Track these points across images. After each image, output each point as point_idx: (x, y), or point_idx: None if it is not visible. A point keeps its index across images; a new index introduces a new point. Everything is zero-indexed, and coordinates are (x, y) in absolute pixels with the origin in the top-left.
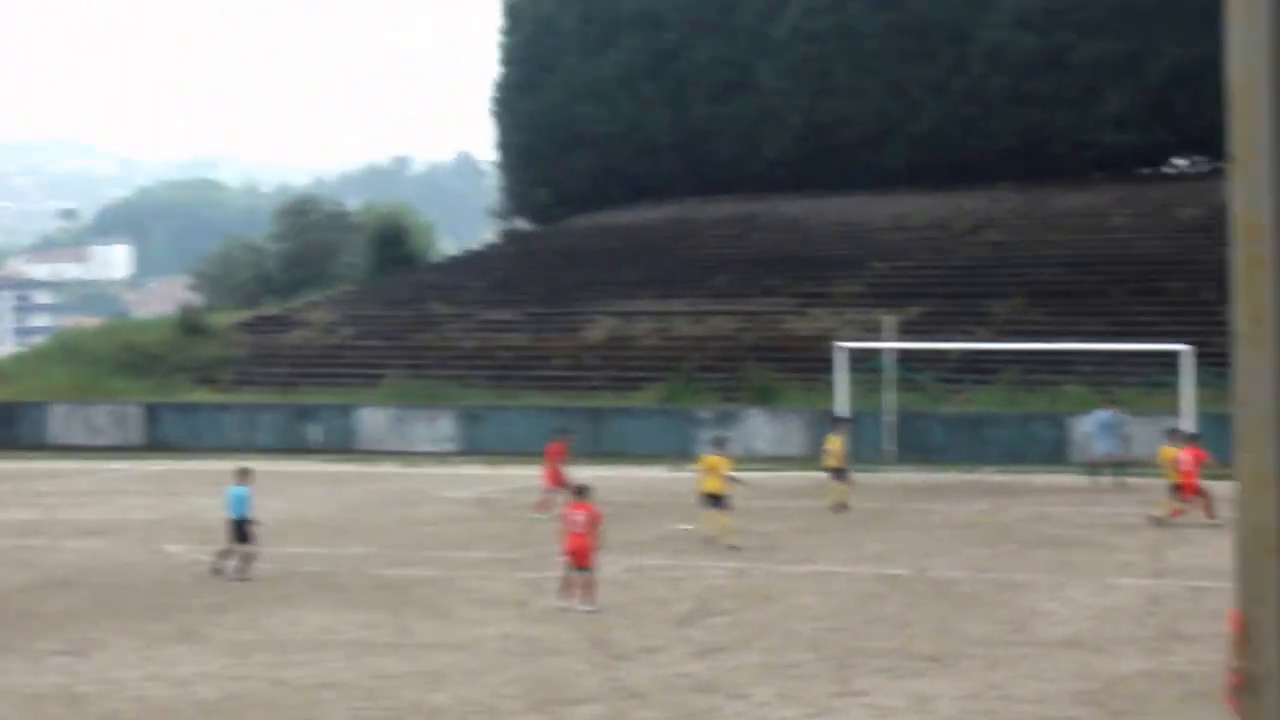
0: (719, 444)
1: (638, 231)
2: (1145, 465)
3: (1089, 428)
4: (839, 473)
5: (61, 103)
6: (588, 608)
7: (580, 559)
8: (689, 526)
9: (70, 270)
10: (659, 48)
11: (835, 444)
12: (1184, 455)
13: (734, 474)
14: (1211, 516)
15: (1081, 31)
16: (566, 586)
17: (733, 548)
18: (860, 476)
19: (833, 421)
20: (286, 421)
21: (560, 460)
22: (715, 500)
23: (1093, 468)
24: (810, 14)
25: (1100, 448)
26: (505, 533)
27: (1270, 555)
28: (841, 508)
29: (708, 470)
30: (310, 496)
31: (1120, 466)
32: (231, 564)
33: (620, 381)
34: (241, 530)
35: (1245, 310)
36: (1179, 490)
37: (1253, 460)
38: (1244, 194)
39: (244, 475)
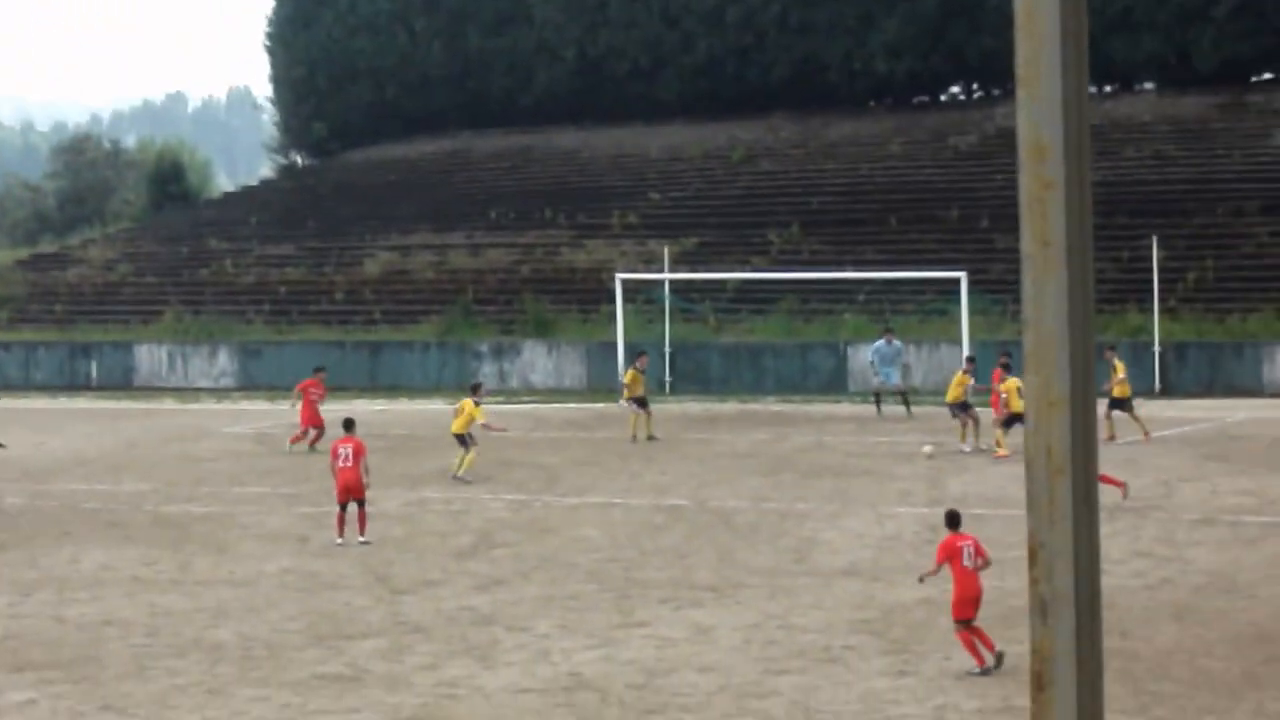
0: (475, 390)
1: (413, 165)
2: (921, 393)
3: (870, 357)
4: (642, 402)
5: None
6: (363, 539)
7: (353, 492)
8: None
9: None
10: None
11: (631, 376)
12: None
13: (486, 424)
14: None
15: None
16: (340, 521)
17: (460, 480)
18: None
19: (635, 355)
20: (65, 359)
21: (316, 396)
22: (461, 440)
23: (876, 398)
24: None
25: (880, 377)
26: (284, 468)
27: (1060, 476)
28: (652, 438)
29: (458, 413)
30: (89, 433)
31: (902, 395)
32: None
33: (398, 315)
34: None
35: (1033, 232)
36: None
37: (1041, 382)
38: (1030, 116)
39: None
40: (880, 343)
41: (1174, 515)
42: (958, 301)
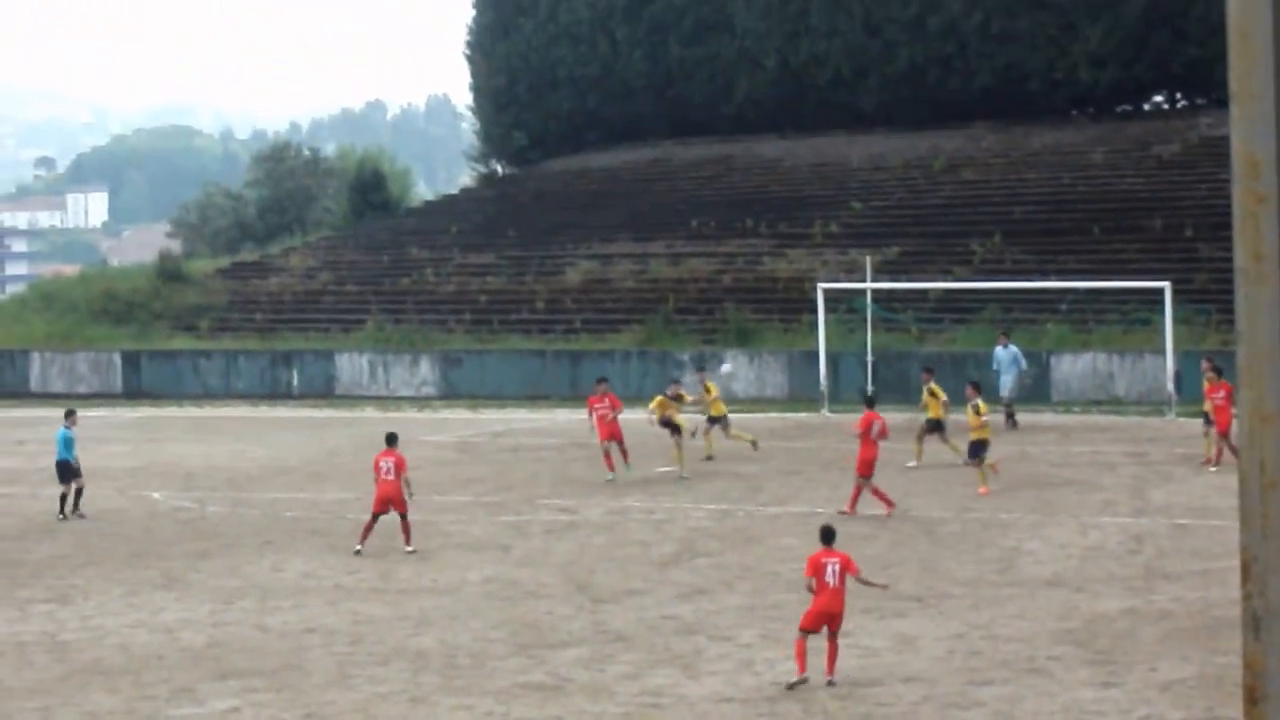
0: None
1: (614, 174)
2: (1125, 402)
3: (994, 365)
4: (721, 421)
5: (34, 50)
6: (409, 549)
7: (395, 505)
8: (669, 468)
9: (47, 219)
10: None
11: (712, 390)
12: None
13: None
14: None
15: None
16: (367, 530)
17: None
18: (841, 417)
19: (699, 369)
20: (266, 368)
21: (604, 410)
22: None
23: (1007, 409)
24: None
25: (1004, 385)
26: (486, 477)
27: (1274, 490)
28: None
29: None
30: (290, 442)
31: (1007, 406)
32: (68, 507)
33: (599, 324)
34: (65, 471)
35: (1246, 246)
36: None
37: (1255, 396)
38: (1244, 131)
39: (69, 418)
40: (997, 347)
41: None
42: (1162, 311)
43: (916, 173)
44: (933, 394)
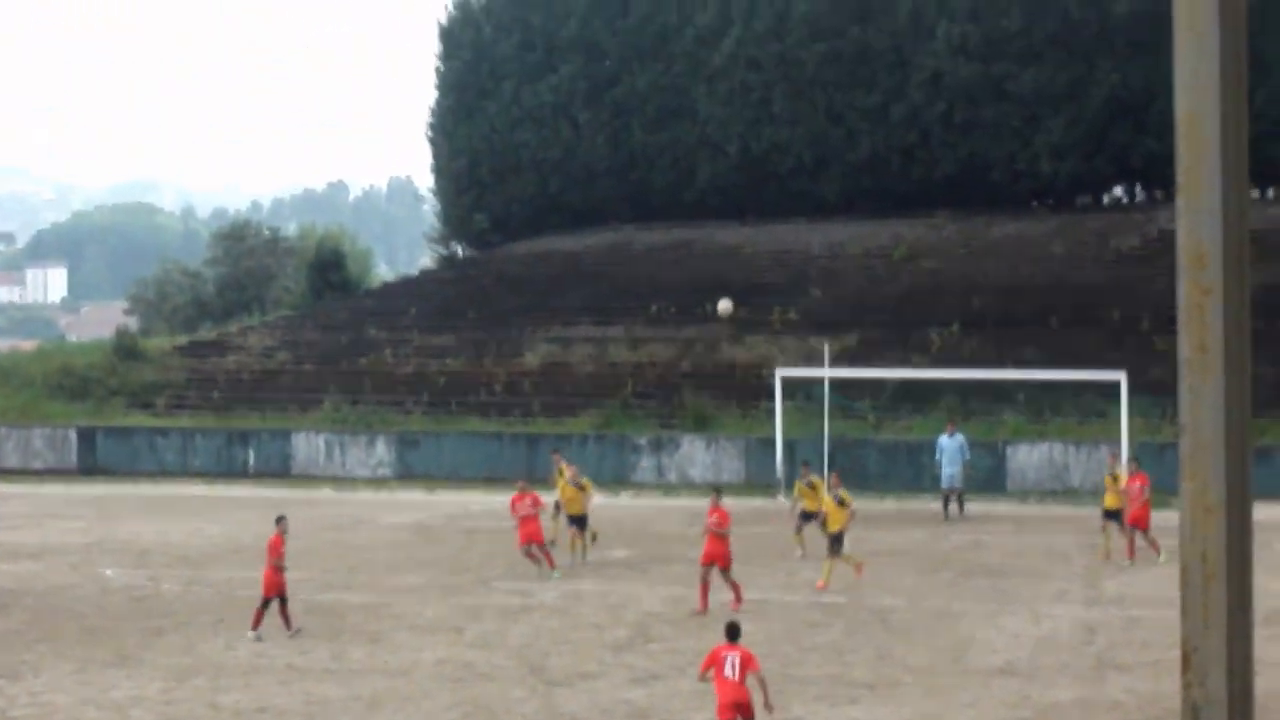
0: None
1: (575, 257)
2: (1081, 493)
3: (936, 455)
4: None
5: None
6: (291, 632)
7: (279, 590)
8: (625, 553)
9: (5, 294)
10: (597, 74)
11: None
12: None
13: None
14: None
15: (1021, 60)
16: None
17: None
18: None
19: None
20: (223, 446)
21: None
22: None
23: (945, 499)
24: (749, 41)
25: (944, 480)
26: (441, 558)
27: (1214, 582)
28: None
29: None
30: (245, 520)
31: (957, 494)
32: None
33: (557, 407)
34: None
35: (1191, 338)
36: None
37: (1198, 487)
38: (1190, 223)
39: None
40: (942, 436)
41: None
42: (1118, 403)
43: (876, 261)
44: (813, 486)
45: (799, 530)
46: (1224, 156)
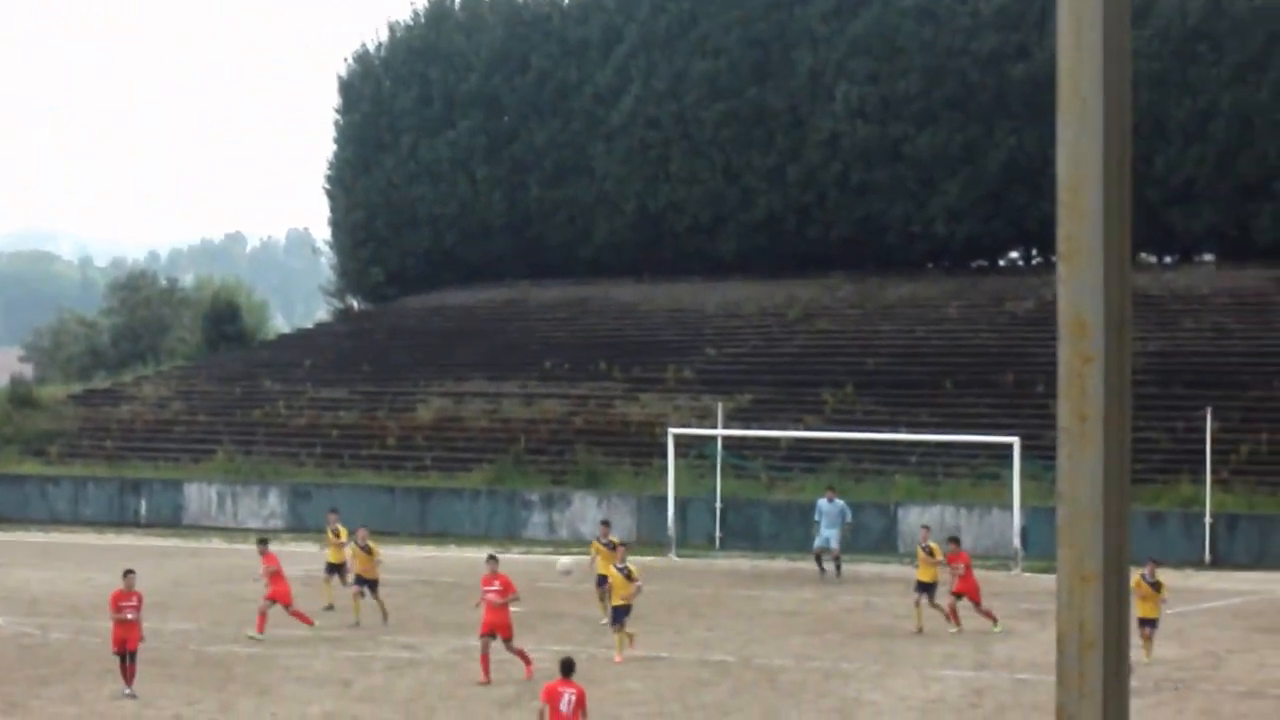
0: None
1: (470, 312)
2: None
3: (815, 516)
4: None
5: None
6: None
7: (130, 644)
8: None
9: None
10: (496, 130)
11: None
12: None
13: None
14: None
15: (918, 122)
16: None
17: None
18: (687, 562)
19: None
20: (115, 495)
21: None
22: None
23: (817, 558)
24: (647, 100)
25: (820, 540)
26: (328, 613)
27: (1091, 650)
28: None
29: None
30: (137, 571)
31: (835, 558)
32: None
33: (450, 462)
34: None
35: (1071, 407)
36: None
37: (1074, 556)
38: (1071, 291)
39: None
40: (822, 500)
41: (1220, 687)
42: (1010, 467)
43: (771, 320)
44: (612, 547)
45: (601, 597)
46: (1106, 225)
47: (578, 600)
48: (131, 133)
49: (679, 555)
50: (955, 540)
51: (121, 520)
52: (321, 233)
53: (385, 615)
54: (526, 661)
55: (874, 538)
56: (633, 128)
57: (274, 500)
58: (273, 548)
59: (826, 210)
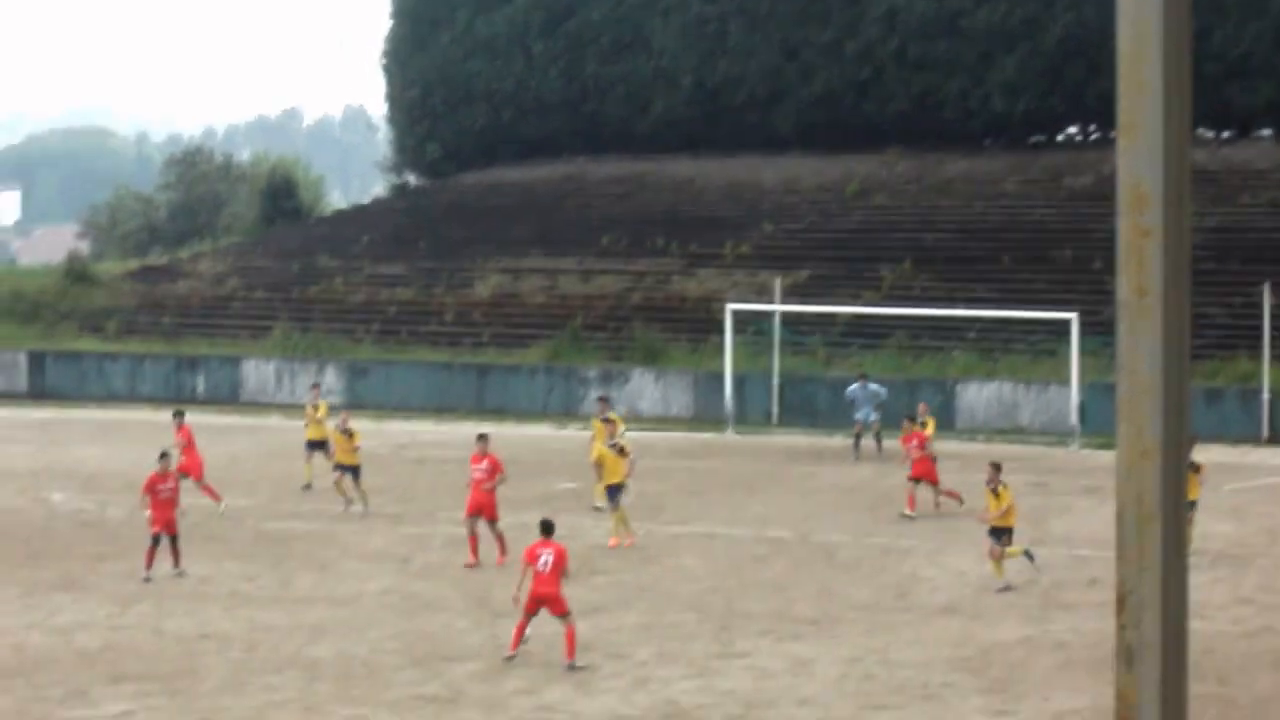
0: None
1: (527, 189)
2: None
3: (848, 398)
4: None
5: None
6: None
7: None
8: (571, 484)
9: None
10: (553, 4)
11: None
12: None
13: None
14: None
15: None
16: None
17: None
18: (745, 439)
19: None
20: (171, 372)
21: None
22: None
23: (856, 437)
24: None
25: (859, 416)
26: (388, 488)
27: (1150, 524)
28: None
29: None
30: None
31: (875, 433)
32: None
33: (507, 339)
34: None
35: (1130, 280)
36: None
37: (1134, 430)
38: (1130, 163)
39: None
40: (854, 385)
41: (1277, 563)
42: (1069, 343)
43: (829, 196)
44: (610, 423)
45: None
46: (1166, 98)
47: (635, 477)
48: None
49: (736, 432)
50: (911, 418)
51: (179, 397)
52: (378, 109)
53: (366, 503)
54: (501, 547)
55: (932, 414)
56: (690, 2)
57: (331, 377)
58: (330, 423)
59: (884, 85)
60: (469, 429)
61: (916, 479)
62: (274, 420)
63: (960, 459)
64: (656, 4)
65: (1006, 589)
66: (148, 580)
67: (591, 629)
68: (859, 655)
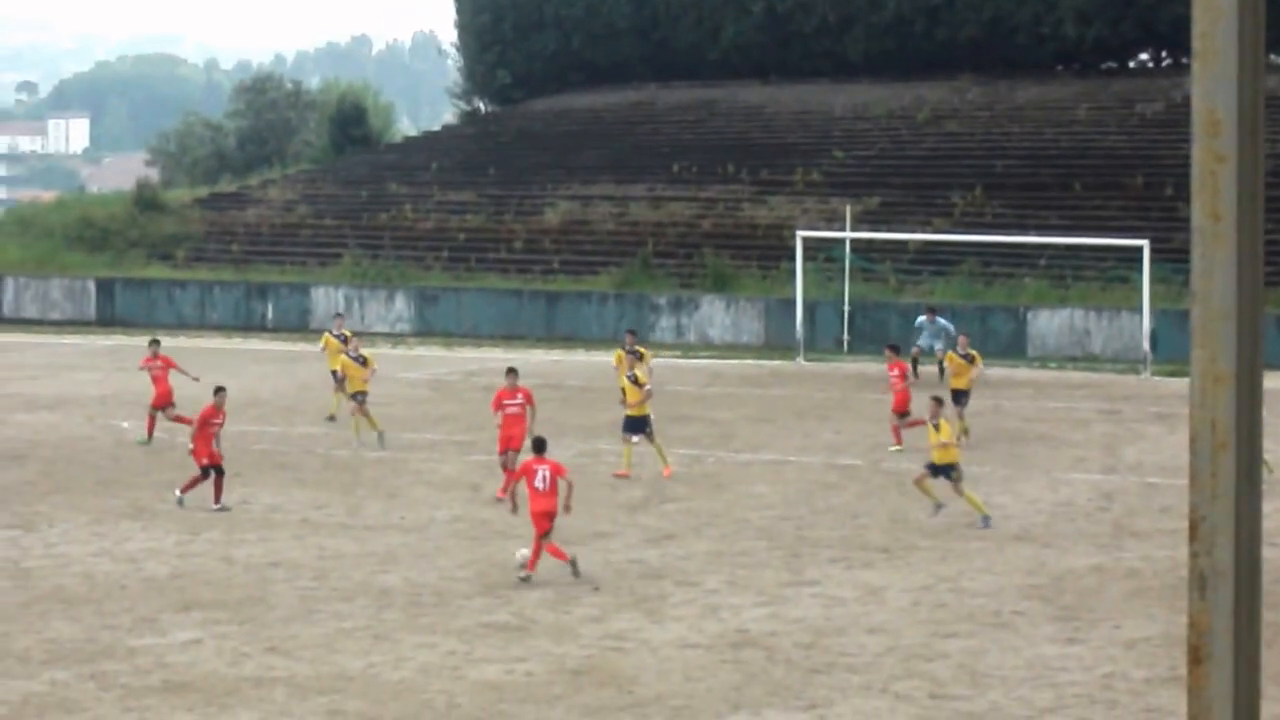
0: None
1: (597, 116)
2: (1101, 360)
3: (917, 326)
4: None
5: None
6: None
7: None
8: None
9: (26, 143)
10: None
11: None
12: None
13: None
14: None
15: None
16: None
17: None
18: (815, 366)
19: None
20: (241, 299)
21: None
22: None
23: (914, 362)
24: None
25: (920, 345)
26: (458, 415)
27: (1224, 451)
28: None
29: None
30: (263, 374)
31: (939, 362)
32: None
33: (577, 266)
34: None
35: (1204, 206)
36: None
37: (1208, 356)
38: (1205, 88)
39: None
40: (921, 318)
41: None
42: (1140, 270)
43: (900, 123)
44: (640, 357)
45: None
46: (1240, 22)
47: (705, 404)
48: None
49: (807, 359)
50: (893, 348)
51: (248, 325)
52: (447, 35)
53: (378, 430)
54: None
55: (1003, 342)
56: None
57: (400, 304)
58: (400, 350)
59: (955, 11)
60: (539, 356)
61: (900, 413)
62: None
63: (1033, 386)
64: None
65: (940, 509)
66: (180, 503)
67: (662, 556)
68: (930, 583)
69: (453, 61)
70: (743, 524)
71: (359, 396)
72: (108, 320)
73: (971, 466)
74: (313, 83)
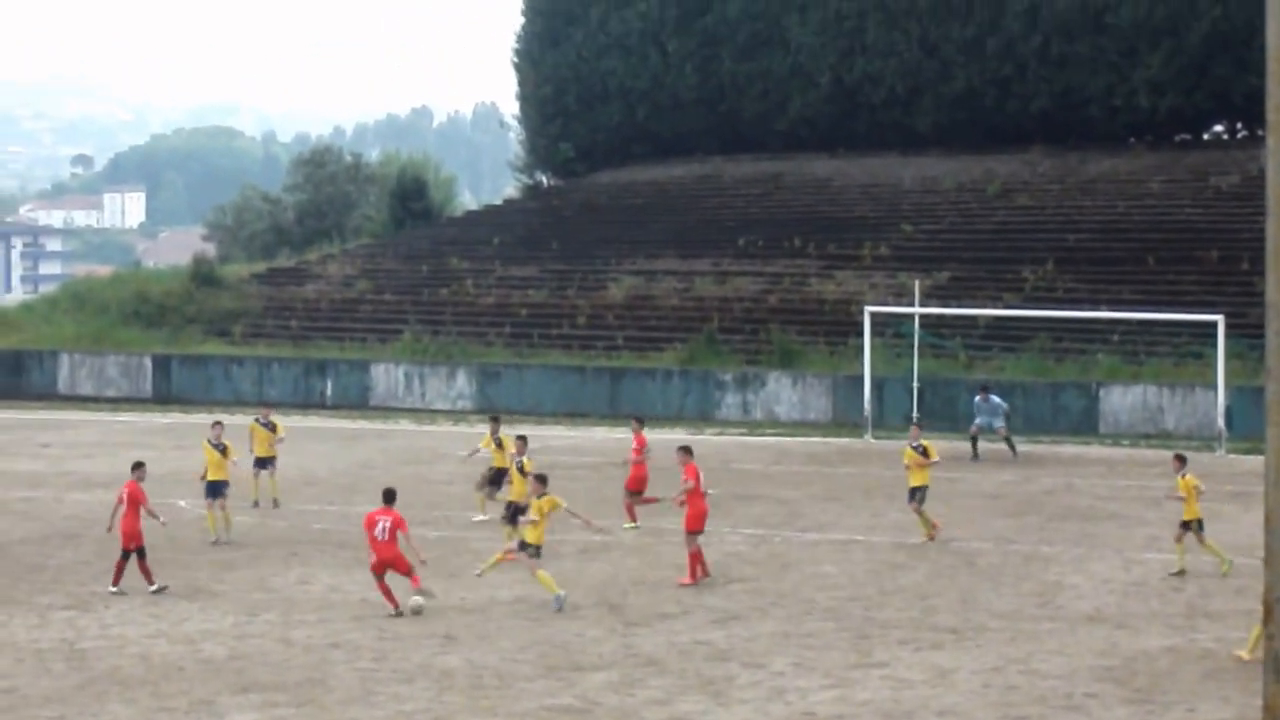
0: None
1: (662, 189)
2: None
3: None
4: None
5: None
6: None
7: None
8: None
9: (83, 218)
10: (687, 1)
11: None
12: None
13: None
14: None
15: None
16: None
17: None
18: (884, 444)
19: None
20: (300, 376)
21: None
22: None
23: (973, 440)
24: None
25: (979, 421)
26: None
27: None
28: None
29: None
30: (322, 453)
31: (1006, 438)
32: None
33: (641, 342)
34: None
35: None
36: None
37: None
38: None
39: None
40: (976, 399)
41: None
42: (1214, 345)
43: (969, 196)
44: (500, 445)
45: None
46: None
47: (772, 482)
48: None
49: (875, 437)
50: (638, 419)
51: (307, 402)
52: (509, 107)
53: (277, 500)
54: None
55: (1075, 418)
56: None
57: (462, 381)
58: (461, 428)
59: (1026, 83)
60: (602, 434)
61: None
62: (404, 425)
63: (1105, 464)
64: (793, 0)
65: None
66: (162, 589)
67: (728, 638)
68: (1001, 665)
69: (515, 134)
70: (810, 604)
71: (261, 462)
72: (164, 397)
73: (1042, 546)
74: (372, 155)
